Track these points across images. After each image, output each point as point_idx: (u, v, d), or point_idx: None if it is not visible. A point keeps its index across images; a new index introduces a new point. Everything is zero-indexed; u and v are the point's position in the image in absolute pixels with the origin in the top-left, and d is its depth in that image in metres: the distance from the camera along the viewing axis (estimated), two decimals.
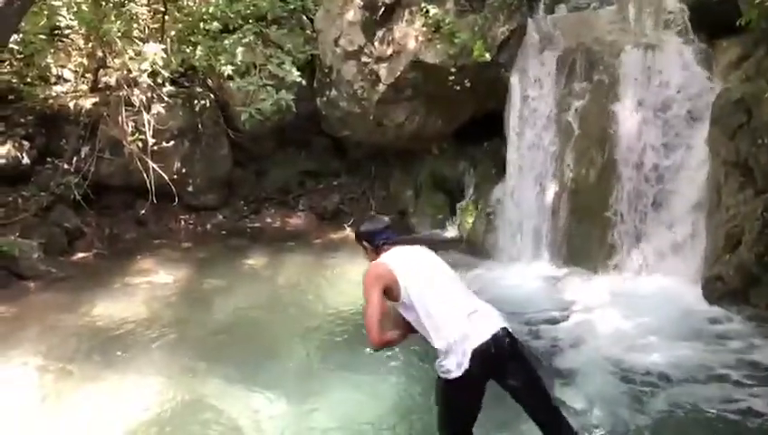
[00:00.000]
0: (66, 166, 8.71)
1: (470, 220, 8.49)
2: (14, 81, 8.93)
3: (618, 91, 6.77)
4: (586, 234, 6.99)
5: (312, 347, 5.46)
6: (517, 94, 7.73)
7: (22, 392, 4.87)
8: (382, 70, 8.51)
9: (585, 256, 6.95)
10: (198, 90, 9.41)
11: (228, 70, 8.49)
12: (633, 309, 5.80)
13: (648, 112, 6.61)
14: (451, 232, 8.96)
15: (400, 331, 3.21)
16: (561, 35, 7.45)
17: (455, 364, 2.97)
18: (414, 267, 3.19)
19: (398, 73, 8.39)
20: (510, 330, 3.13)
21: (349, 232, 9.27)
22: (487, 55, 7.66)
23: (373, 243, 3.38)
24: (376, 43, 8.53)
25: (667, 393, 4.51)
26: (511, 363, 3.06)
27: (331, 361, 5.18)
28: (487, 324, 3.07)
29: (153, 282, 7.32)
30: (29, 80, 9.13)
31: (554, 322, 5.87)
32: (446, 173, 9.38)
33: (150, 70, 8.05)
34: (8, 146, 8.49)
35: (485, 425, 3.39)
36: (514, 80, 7.79)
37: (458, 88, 7.97)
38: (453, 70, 7.91)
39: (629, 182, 6.69)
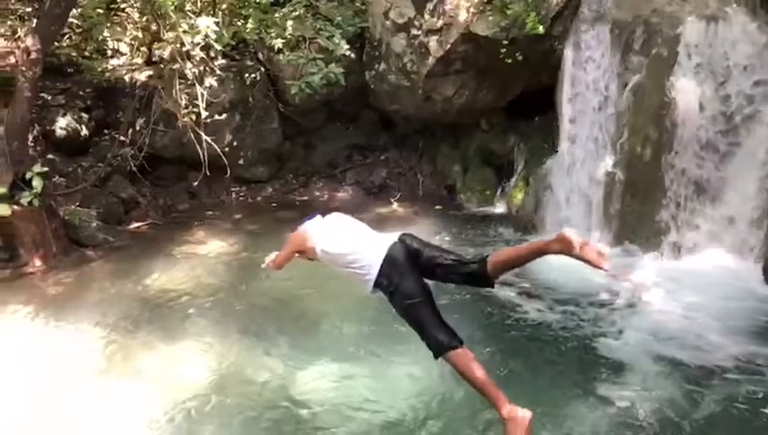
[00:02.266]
0: (122, 138, 8.97)
1: (519, 196, 8.39)
2: (74, 54, 9.19)
3: (677, 65, 6.54)
4: (639, 211, 6.84)
5: (355, 321, 5.53)
6: (570, 68, 7.55)
7: (80, 356, 5.09)
8: (432, 42, 8.41)
9: (637, 233, 6.81)
10: (249, 63, 9.51)
11: (278, 43, 8.56)
12: (687, 290, 5.69)
13: (709, 87, 6.37)
14: (499, 208, 8.87)
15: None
16: (617, 7, 7.21)
17: (375, 273, 3.45)
18: (330, 230, 3.76)
19: (449, 46, 8.27)
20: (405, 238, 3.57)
21: (395, 206, 9.30)
22: (540, 28, 7.47)
23: None
24: (426, 16, 8.42)
25: (722, 382, 4.41)
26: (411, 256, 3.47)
27: (373, 335, 5.24)
28: (387, 239, 3.56)
29: (205, 252, 7.50)
30: (87, 53, 9.42)
31: (604, 302, 5.81)
32: (495, 148, 9.26)
33: (203, 43, 8.17)
34: (68, 118, 8.79)
35: None
36: (568, 53, 7.60)
37: (509, 61, 7.82)
38: (504, 42, 7.76)
39: (686, 159, 6.50)
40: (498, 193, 9.04)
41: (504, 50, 7.76)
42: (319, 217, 3.89)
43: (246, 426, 4.20)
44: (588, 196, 7.30)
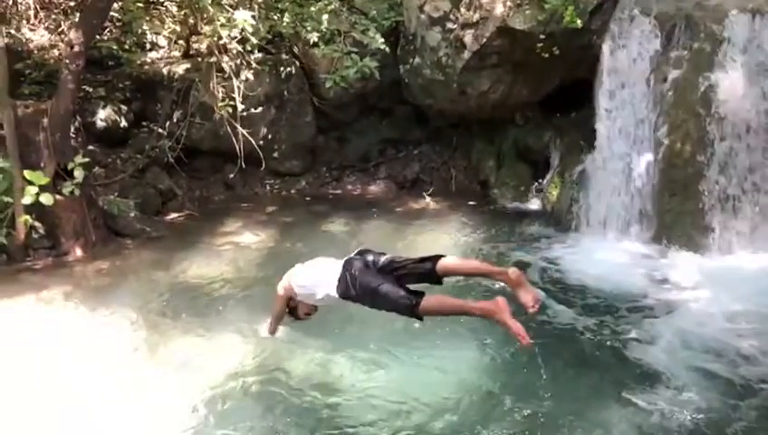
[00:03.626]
0: (160, 130, 9.11)
1: (554, 192, 8.29)
2: (114, 47, 9.36)
3: (720, 60, 6.38)
4: (679, 209, 6.70)
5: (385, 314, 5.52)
6: (609, 62, 7.41)
7: (116, 342, 5.18)
8: (467, 36, 8.34)
9: (678, 232, 6.67)
10: (284, 57, 9.55)
11: (314, 37, 8.60)
12: (729, 294, 5.50)
13: (754, 82, 6.20)
14: (534, 204, 8.79)
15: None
16: (658, 0, 7.07)
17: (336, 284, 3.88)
18: (303, 267, 4.26)
19: (484, 40, 8.20)
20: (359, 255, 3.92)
21: (428, 201, 9.27)
22: (579, 21, 7.37)
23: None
24: (462, 9, 8.36)
25: (761, 396, 4.24)
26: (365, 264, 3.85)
27: (406, 330, 5.22)
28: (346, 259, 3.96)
29: (240, 243, 7.59)
30: (127, 46, 9.57)
31: (643, 303, 5.67)
32: (531, 143, 9.16)
33: (240, 37, 8.25)
34: (108, 110, 8.97)
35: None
36: (606, 47, 7.46)
37: (546, 55, 7.73)
38: (541, 36, 7.67)
39: (729, 155, 6.34)
40: (533, 189, 8.96)
41: (540, 44, 7.68)
42: (299, 263, 4.33)
43: (277, 413, 4.23)
44: (626, 194, 7.17)
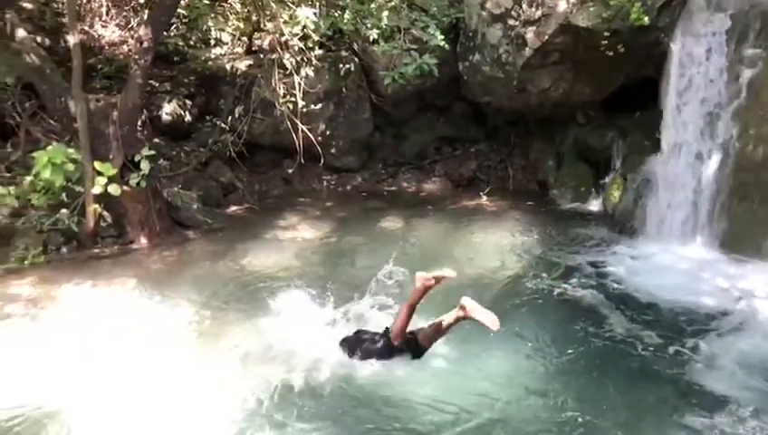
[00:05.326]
0: (223, 124, 9.34)
1: (616, 194, 8.08)
2: (180, 43, 9.64)
3: None
4: (749, 215, 6.43)
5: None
6: (677, 61, 7.20)
7: (177, 329, 5.33)
8: (529, 33, 8.21)
9: (747, 239, 6.41)
10: (344, 54, 9.64)
11: (374, 34, 8.61)
12: None
13: None
14: (594, 205, 8.60)
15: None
16: None
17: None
18: None
19: (546, 37, 8.05)
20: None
21: (485, 200, 9.18)
22: (646, 19, 7.14)
23: None
24: (524, 6, 8.23)
25: None
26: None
27: (461, 338, 5.18)
28: None
29: (297, 236, 7.71)
30: (192, 42, 9.84)
31: (707, 315, 5.42)
32: (592, 143, 8.95)
33: (301, 33, 8.35)
34: (174, 104, 9.26)
35: None
36: (675, 45, 7.24)
37: (611, 53, 7.53)
38: (606, 34, 7.48)
39: None
40: (593, 190, 8.75)
41: (605, 42, 7.49)
42: None
43: (326, 403, 4.28)
44: (692, 198, 6.93)
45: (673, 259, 6.59)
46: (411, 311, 4.36)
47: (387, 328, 4.54)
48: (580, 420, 4.08)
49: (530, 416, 4.18)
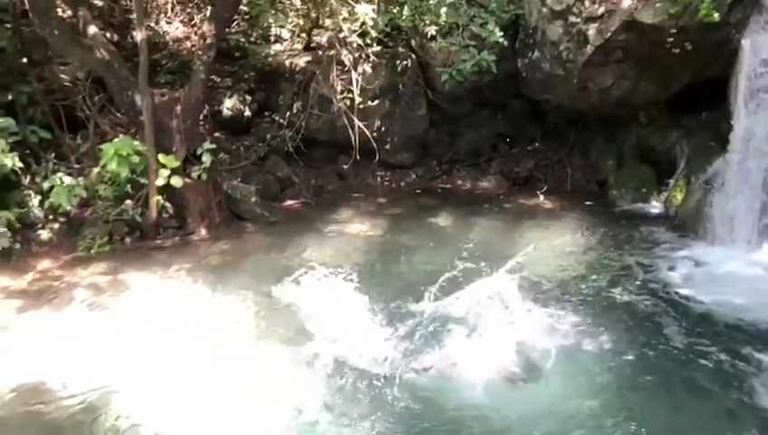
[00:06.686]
0: (281, 120, 9.50)
1: (680, 196, 7.82)
2: (241, 40, 9.85)
3: None
4: None
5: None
6: (750, 60, 6.88)
7: (234, 319, 5.47)
8: (591, 30, 8.01)
9: None
10: (401, 50, 9.63)
11: (432, 30, 8.60)
12: None
13: None
14: (655, 207, 8.33)
15: None
16: None
17: None
18: None
19: (609, 34, 7.84)
20: None
21: (542, 199, 9.04)
22: (716, 15, 6.86)
23: None
24: (586, 2, 8.03)
25: None
26: None
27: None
28: None
29: (351, 232, 7.78)
30: (252, 39, 10.04)
31: None
32: (654, 144, 8.68)
33: (360, 30, 8.41)
34: (234, 99, 9.47)
35: None
36: (747, 43, 6.93)
37: (677, 51, 7.28)
38: (672, 31, 7.22)
39: None
40: (655, 191, 8.49)
41: (671, 39, 7.24)
42: None
43: (388, 415, 4.24)
44: (761, 199, 6.63)
45: (739, 266, 6.31)
46: None
47: None
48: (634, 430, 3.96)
49: (585, 426, 4.05)
